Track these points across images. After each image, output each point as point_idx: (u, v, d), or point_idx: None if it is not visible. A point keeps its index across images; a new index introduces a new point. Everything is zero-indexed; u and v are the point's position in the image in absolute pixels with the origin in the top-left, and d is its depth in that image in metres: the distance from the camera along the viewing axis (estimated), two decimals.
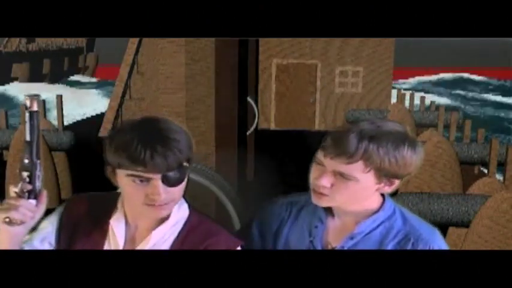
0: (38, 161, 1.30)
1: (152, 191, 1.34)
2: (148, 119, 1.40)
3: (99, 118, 10.72)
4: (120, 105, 10.26)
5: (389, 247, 1.45)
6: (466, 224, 4.70)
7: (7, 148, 7.13)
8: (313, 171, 1.45)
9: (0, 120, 7.91)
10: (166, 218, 1.43)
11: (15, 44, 35.34)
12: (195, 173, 3.95)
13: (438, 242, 1.46)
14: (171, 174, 1.34)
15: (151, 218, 1.42)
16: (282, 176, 7.22)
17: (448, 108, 10.50)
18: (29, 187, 1.30)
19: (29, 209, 1.30)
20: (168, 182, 1.34)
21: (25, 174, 1.29)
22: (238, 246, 1.44)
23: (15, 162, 6.76)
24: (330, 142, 1.41)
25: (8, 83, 34.03)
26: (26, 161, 1.29)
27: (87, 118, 15.03)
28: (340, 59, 13.07)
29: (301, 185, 1.60)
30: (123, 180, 1.36)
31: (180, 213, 1.45)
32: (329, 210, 1.51)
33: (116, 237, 1.44)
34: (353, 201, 1.45)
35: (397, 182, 1.43)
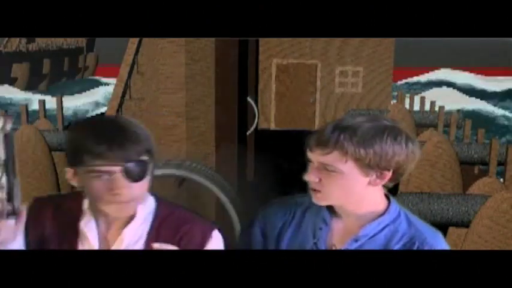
0: (15, 180, 1.28)
1: (114, 185, 1.32)
2: (103, 117, 1.43)
3: None
4: (120, 105, 10.25)
5: None
6: (466, 224, 4.71)
7: None
8: (307, 169, 1.46)
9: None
10: (134, 214, 1.42)
11: (15, 44, 35.35)
12: (195, 173, 3.95)
13: (442, 246, 1.46)
14: (131, 166, 1.32)
15: (116, 216, 1.39)
16: (282, 176, 7.22)
17: None
18: (9, 207, 1.28)
19: (10, 229, 1.29)
20: (129, 176, 1.33)
21: (3, 194, 1.27)
22: (213, 231, 1.44)
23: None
24: (311, 136, 1.44)
25: (9, 83, 34.05)
26: (3, 180, 1.27)
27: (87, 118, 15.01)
28: (340, 59, 13.07)
29: (301, 185, 1.60)
30: (85, 178, 1.35)
31: (146, 206, 1.44)
32: (334, 213, 1.51)
33: (89, 240, 1.42)
34: (348, 197, 1.44)
35: (389, 174, 1.42)
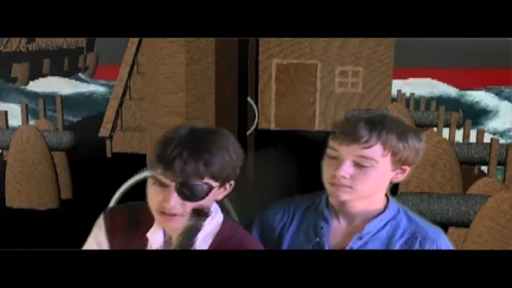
0: None
1: (164, 197, 1.31)
2: (208, 128, 1.38)
3: (99, 118, 10.73)
4: (120, 105, 10.25)
5: (397, 246, 1.46)
6: (466, 224, 4.70)
7: (7, 148, 7.13)
8: (329, 166, 1.44)
9: (0, 120, 7.91)
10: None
11: (15, 44, 35.31)
12: None
13: (444, 240, 1.49)
14: (187, 185, 1.30)
15: (165, 227, 1.38)
16: (282, 176, 7.22)
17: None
18: None
19: None
20: (182, 193, 1.31)
21: None
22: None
23: (15, 162, 6.77)
24: (342, 131, 1.43)
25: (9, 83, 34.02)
26: None
27: (87, 118, 15.03)
28: (340, 59, 13.06)
29: (302, 184, 1.60)
30: (149, 181, 1.35)
31: (212, 224, 1.41)
32: (334, 211, 1.52)
33: (153, 249, 1.41)
34: (373, 191, 1.46)
35: (408, 170, 1.46)
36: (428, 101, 11.30)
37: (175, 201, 1.31)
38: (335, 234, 1.51)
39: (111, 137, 9.72)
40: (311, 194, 1.59)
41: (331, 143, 1.44)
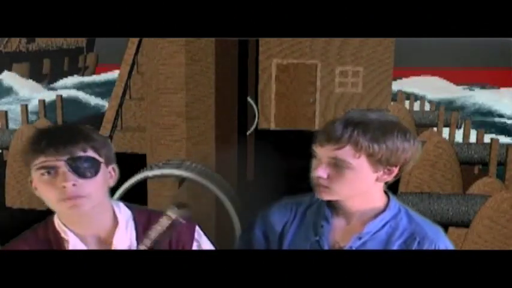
0: None
1: (60, 179, 1.30)
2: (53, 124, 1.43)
3: (99, 118, 10.73)
4: (120, 105, 10.26)
5: (396, 246, 1.45)
6: (466, 224, 4.71)
7: (7, 148, 7.14)
8: (312, 165, 1.46)
9: (0, 120, 7.92)
10: (117, 222, 1.41)
11: (15, 44, 35.34)
12: (195, 173, 3.95)
13: (443, 241, 1.47)
14: (76, 159, 1.31)
15: (73, 214, 1.35)
16: (282, 176, 7.23)
17: None
18: None
19: None
20: (76, 171, 1.30)
21: None
22: (196, 225, 1.47)
23: (15, 162, 6.77)
24: (321, 131, 1.44)
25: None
26: None
27: (87, 118, 15.05)
28: (340, 59, 13.07)
29: (302, 184, 1.60)
30: (36, 179, 1.33)
31: (123, 213, 1.44)
32: (334, 210, 1.52)
33: None
34: (354, 193, 1.45)
35: (395, 170, 1.44)
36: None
37: (72, 179, 1.30)
38: (335, 233, 1.51)
39: (111, 137, 9.73)
40: (312, 193, 1.59)
41: (313, 144, 1.46)
